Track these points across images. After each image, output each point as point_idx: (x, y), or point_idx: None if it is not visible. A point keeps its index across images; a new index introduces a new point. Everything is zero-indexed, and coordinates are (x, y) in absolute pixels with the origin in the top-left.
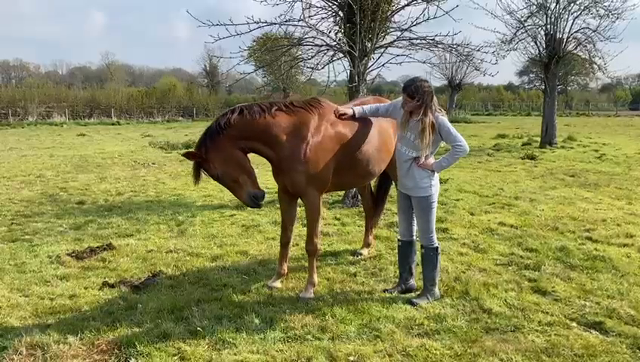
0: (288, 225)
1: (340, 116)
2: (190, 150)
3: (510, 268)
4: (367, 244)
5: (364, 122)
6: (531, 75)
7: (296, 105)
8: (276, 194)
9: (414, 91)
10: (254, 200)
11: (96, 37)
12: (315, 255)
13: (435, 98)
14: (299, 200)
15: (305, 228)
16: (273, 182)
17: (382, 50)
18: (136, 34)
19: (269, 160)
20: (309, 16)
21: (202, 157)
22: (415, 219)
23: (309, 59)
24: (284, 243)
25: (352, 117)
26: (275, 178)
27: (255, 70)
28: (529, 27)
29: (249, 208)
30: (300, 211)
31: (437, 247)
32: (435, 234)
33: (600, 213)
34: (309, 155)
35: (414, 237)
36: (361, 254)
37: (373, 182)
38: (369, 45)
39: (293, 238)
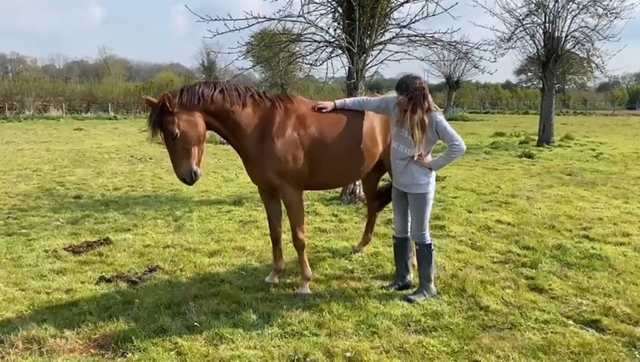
0: (274, 220)
1: (320, 110)
2: (165, 93)
3: (507, 265)
4: (366, 241)
5: (338, 120)
6: (529, 74)
7: (267, 98)
8: None
9: (405, 88)
10: (192, 176)
11: (94, 31)
12: (303, 249)
13: (428, 96)
14: None
15: None
16: None
17: (381, 46)
18: (134, 28)
19: (233, 146)
20: (308, 12)
21: (170, 109)
22: (410, 215)
23: (308, 55)
24: (275, 240)
25: (334, 110)
26: (248, 174)
27: (253, 66)
28: (527, 25)
29: (239, 203)
30: None
31: (430, 244)
32: (427, 231)
33: (597, 212)
34: (275, 151)
35: (409, 234)
36: (359, 251)
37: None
38: (368, 42)
39: (289, 234)
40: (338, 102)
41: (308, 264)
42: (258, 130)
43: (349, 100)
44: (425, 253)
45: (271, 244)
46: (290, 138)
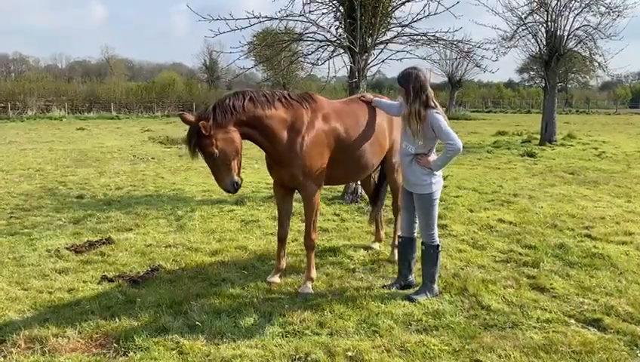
0: (284, 219)
1: (360, 98)
2: (202, 121)
3: (509, 264)
4: (379, 239)
5: (357, 117)
6: (531, 73)
7: (293, 98)
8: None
9: (402, 78)
10: (234, 186)
11: (95, 31)
12: (313, 249)
13: (429, 90)
14: (294, 195)
15: (303, 224)
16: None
17: (382, 46)
18: (135, 28)
19: (266, 151)
20: (310, 11)
21: (206, 132)
22: (416, 215)
23: (309, 54)
24: (281, 238)
25: (352, 106)
26: (271, 171)
27: (255, 65)
28: (530, 24)
29: (241, 203)
30: (297, 206)
31: (438, 245)
32: (436, 232)
33: (599, 211)
34: (305, 149)
35: (415, 234)
36: (371, 248)
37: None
38: (369, 41)
39: (292, 234)
40: (375, 99)
41: (314, 265)
42: (289, 131)
43: (383, 101)
44: (431, 253)
45: (273, 243)
46: (318, 136)
